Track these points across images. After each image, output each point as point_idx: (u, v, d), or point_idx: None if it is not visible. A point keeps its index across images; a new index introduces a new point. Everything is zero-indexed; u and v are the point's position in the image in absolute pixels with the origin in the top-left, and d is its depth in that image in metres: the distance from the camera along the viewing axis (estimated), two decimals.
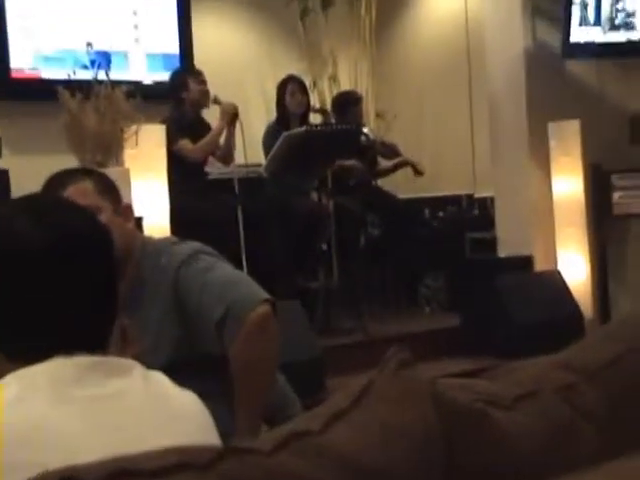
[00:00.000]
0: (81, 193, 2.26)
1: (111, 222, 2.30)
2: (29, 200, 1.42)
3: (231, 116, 5.52)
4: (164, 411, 1.28)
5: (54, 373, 1.22)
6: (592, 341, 1.43)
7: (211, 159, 5.91)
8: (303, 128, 5.37)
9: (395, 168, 6.70)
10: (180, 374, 1.39)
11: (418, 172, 6.50)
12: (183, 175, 5.44)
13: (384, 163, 6.80)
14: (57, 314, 1.28)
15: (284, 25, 7.55)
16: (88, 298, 1.32)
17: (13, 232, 1.29)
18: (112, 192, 2.40)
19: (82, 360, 1.25)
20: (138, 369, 1.31)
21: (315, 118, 6.25)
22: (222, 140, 5.69)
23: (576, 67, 6.37)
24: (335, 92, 7.44)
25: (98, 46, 6.06)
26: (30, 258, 1.28)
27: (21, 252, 1.28)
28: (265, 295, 2.26)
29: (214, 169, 6.05)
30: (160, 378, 1.34)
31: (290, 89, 6.02)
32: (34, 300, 1.27)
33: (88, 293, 1.32)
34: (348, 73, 7.70)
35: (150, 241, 2.49)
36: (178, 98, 5.74)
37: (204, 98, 5.72)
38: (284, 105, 6.00)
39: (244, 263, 5.15)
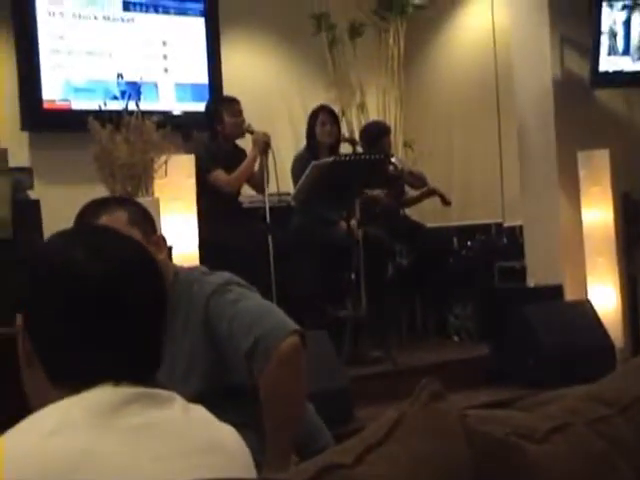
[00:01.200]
0: (112, 223, 2.27)
1: None
2: (81, 232, 1.43)
3: (264, 145, 5.54)
4: (203, 443, 1.28)
5: (92, 403, 1.23)
6: (624, 373, 1.42)
7: (245, 187, 5.93)
8: (331, 158, 5.38)
9: (422, 197, 6.70)
10: (210, 404, 1.40)
11: (446, 202, 6.50)
12: (217, 205, 5.45)
13: (411, 192, 6.79)
14: (109, 342, 1.30)
15: (312, 55, 7.59)
16: (139, 328, 1.33)
17: (72, 261, 1.31)
18: (146, 222, 2.41)
19: (125, 391, 1.26)
20: (179, 401, 1.32)
21: (344, 147, 6.26)
22: (255, 168, 5.71)
23: (605, 96, 6.36)
24: (363, 121, 7.47)
25: (128, 77, 6.12)
26: (88, 285, 1.30)
27: (80, 279, 1.30)
28: (294, 326, 2.26)
29: (245, 198, 6.08)
30: (200, 410, 1.35)
31: (321, 119, 6.03)
32: (87, 327, 1.29)
33: (140, 323, 1.33)
34: (376, 103, 7.72)
35: (182, 271, 2.50)
36: (213, 129, 5.76)
37: (238, 131, 5.74)
38: (314, 135, 6.02)
39: (274, 292, 5.15)
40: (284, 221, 5.85)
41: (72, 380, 1.26)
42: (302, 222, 5.91)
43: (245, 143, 5.80)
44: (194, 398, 1.37)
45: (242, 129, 5.71)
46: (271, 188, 5.58)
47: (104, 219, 2.28)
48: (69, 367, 1.29)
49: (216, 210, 5.43)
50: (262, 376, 2.21)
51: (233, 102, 5.81)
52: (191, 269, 2.54)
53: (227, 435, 1.35)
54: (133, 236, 2.31)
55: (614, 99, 6.40)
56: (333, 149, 6.01)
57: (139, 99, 4.88)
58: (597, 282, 6.04)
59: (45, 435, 1.17)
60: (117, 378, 1.27)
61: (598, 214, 6.06)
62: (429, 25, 7.98)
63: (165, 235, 2.55)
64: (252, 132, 5.64)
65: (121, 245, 1.39)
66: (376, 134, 6.49)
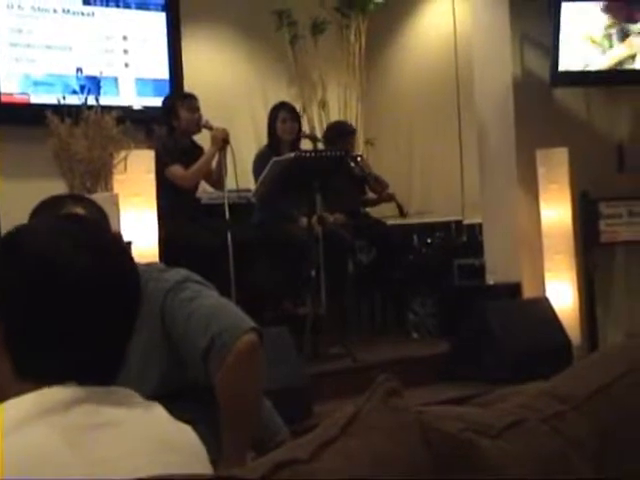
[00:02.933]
0: None
1: None
2: (62, 224, 1.39)
3: (222, 141, 5.53)
4: (158, 442, 1.27)
5: (45, 401, 1.21)
6: (579, 369, 1.43)
7: (203, 184, 5.91)
8: (292, 154, 5.38)
9: (381, 201, 6.72)
10: (166, 401, 1.39)
11: (402, 213, 6.49)
12: (174, 200, 5.44)
13: (370, 194, 6.81)
14: (80, 342, 1.27)
15: (274, 51, 7.57)
16: (112, 329, 1.31)
17: (57, 254, 1.27)
18: (102, 219, 2.40)
19: (79, 390, 1.24)
20: (136, 399, 1.31)
21: (305, 144, 6.26)
22: (213, 165, 5.69)
23: (564, 95, 6.41)
24: (324, 118, 7.48)
25: (88, 71, 6.08)
26: (71, 280, 1.26)
27: (64, 273, 1.27)
28: (251, 324, 2.26)
29: (205, 194, 6.05)
30: (156, 408, 1.34)
31: (281, 116, 6.03)
32: (62, 324, 1.26)
33: (114, 324, 1.31)
34: (338, 100, 7.72)
35: (138, 268, 2.47)
36: (169, 125, 5.74)
37: (194, 126, 5.72)
38: (275, 131, 6.02)
39: (232, 289, 5.14)
40: (244, 218, 5.84)
41: (36, 376, 1.24)
42: (263, 218, 5.91)
43: (204, 140, 5.77)
44: (150, 396, 1.36)
45: (198, 125, 5.70)
46: (230, 185, 5.57)
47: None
48: (36, 363, 1.27)
49: (175, 206, 5.42)
50: (218, 375, 2.21)
51: (190, 98, 5.80)
52: (148, 266, 2.52)
53: (183, 433, 1.34)
54: None
55: (573, 98, 6.45)
56: (294, 146, 6.02)
57: (99, 94, 4.86)
58: (555, 280, 6.08)
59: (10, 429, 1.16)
60: (82, 378, 1.26)
61: (556, 212, 6.10)
62: (390, 23, 8.00)
63: (124, 231, 2.53)
64: (210, 128, 5.63)
65: (106, 240, 1.36)
66: (340, 133, 6.50)
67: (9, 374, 1.27)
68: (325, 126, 7.15)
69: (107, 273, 1.30)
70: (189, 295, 2.32)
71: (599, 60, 6.19)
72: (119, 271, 1.33)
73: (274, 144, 5.98)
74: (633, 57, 6.24)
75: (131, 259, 1.38)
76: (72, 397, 1.23)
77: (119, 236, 2.42)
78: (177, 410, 1.37)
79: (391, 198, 6.57)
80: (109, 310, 1.29)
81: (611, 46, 6.19)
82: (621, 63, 6.23)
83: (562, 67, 6.12)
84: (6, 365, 1.27)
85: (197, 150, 5.77)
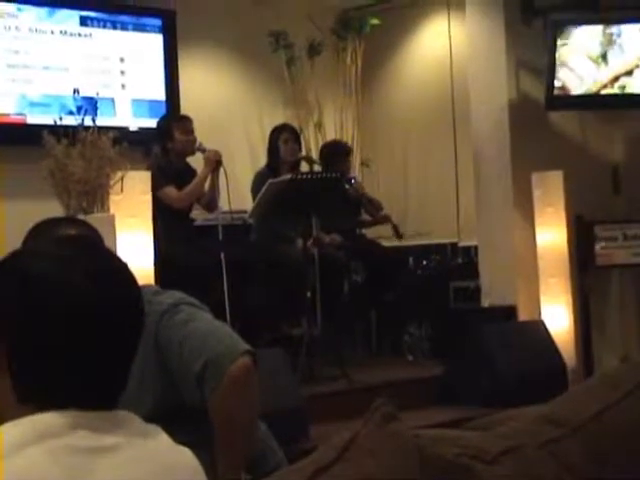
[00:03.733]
0: None
1: None
2: (78, 251, 1.37)
3: (215, 163, 5.54)
4: (159, 466, 1.27)
5: (42, 426, 1.21)
6: (576, 394, 1.43)
7: (197, 206, 5.91)
8: (288, 176, 5.39)
9: (376, 222, 6.71)
10: (162, 424, 1.38)
11: (398, 235, 6.46)
12: (168, 221, 5.43)
13: (365, 216, 6.81)
14: (84, 368, 1.26)
15: (270, 73, 7.59)
16: (116, 355, 1.30)
17: (70, 282, 1.27)
18: (99, 240, 2.39)
19: (77, 414, 1.24)
20: (136, 422, 1.30)
21: (301, 166, 6.26)
22: (206, 187, 5.70)
23: (559, 118, 6.43)
24: (321, 140, 7.48)
25: (85, 92, 6.08)
26: (82, 309, 1.26)
27: (76, 302, 1.26)
28: (245, 347, 2.25)
29: (200, 216, 6.05)
30: (155, 431, 1.33)
31: (283, 137, 6.04)
32: (69, 351, 1.25)
33: (118, 350, 1.31)
34: (334, 121, 7.74)
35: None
36: (164, 146, 5.76)
37: (188, 148, 5.74)
38: (277, 152, 6.02)
39: (227, 310, 5.13)
40: (238, 239, 5.84)
41: (37, 400, 1.24)
42: (258, 239, 5.91)
43: (197, 163, 5.78)
44: (146, 419, 1.36)
45: (192, 147, 5.70)
46: (224, 206, 5.57)
47: None
48: (37, 387, 1.26)
49: (169, 227, 5.41)
50: (213, 399, 2.20)
51: (185, 120, 5.81)
52: (143, 288, 2.51)
53: (183, 456, 1.34)
54: None
55: (568, 121, 6.47)
56: (294, 167, 6.03)
57: (95, 114, 4.84)
58: (550, 302, 6.08)
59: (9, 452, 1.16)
60: (83, 403, 1.25)
61: (552, 235, 6.11)
62: (386, 45, 8.03)
63: (120, 252, 2.53)
64: (203, 150, 5.63)
65: (107, 261, 1.36)
66: (336, 153, 6.50)
67: (10, 397, 1.27)
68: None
69: (109, 296, 1.29)
70: (183, 318, 2.31)
71: (594, 82, 6.21)
72: (121, 291, 1.32)
73: (274, 165, 5.99)
74: (630, 73, 6.23)
75: (132, 277, 1.37)
76: (69, 422, 1.22)
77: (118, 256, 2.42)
78: (172, 433, 1.37)
79: (386, 219, 6.55)
80: (112, 331, 1.29)
81: (607, 64, 6.21)
82: (617, 79, 6.22)
83: (557, 91, 6.14)
84: (7, 388, 1.27)
85: (190, 172, 5.78)
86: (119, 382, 1.32)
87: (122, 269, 1.35)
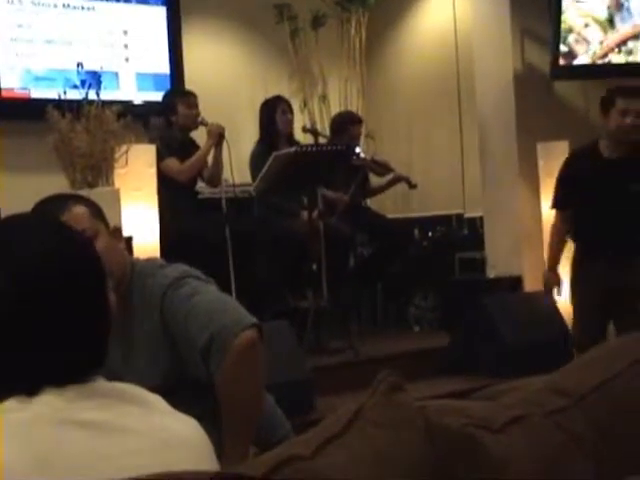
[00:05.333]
0: (79, 218, 2.26)
1: (110, 245, 2.32)
2: (39, 229, 1.36)
3: (217, 136, 5.54)
4: (163, 438, 1.27)
5: (41, 408, 1.20)
6: (581, 364, 1.43)
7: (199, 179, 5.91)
8: (293, 148, 5.37)
9: (389, 185, 6.69)
10: (170, 397, 1.39)
11: (412, 185, 6.45)
12: (173, 194, 5.43)
13: (376, 181, 6.79)
14: (52, 343, 1.26)
15: (275, 45, 7.56)
16: (82, 327, 1.30)
17: (28, 260, 1.26)
18: (103, 215, 2.40)
19: (76, 389, 1.24)
20: (138, 393, 1.30)
21: (306, 139, 6.24)
22: (209, 161, 5.70)
23: (564, 88, 6.40)
24: (325, 112, 7.47)
25: (88, 66, 6.06)
26: (41, 285, 1.25)
27: (33, 279, 1.26)
28: (251, 320, 2.25)
29: (205, 189, 6.05)
30: (160, 403, 1.33)
31: (281, 108, 6.04)
32: (30, 328, 1.24)
33: (83, 322, 1.30)
34: (338, 93, 7.71)
35: (138, 263, 2.47)
36: (167, 120, 5.75)
37: (191, 122, 5.73)
38: (274, 124, 6.01)
39: (233, 283, 5.14)
40: (243, 212, 5.84)
41: (12, 383, 1.23)
42: (263, 213, 5.91)
43: (202, 139, 5.76)
44: (154, 391, 1.36)
45: (195, 121, 5.70)
46: (227, 180, 5.57)
47: (67, 215, 2.25)
48: (8, 370, 1.25)
49: (173, 200, 5.41)
50: (218, 373, 2.20)
51: (189, 95, 5.82)
52: (147, 261, 2.51)
53: (188, 427, 1.34)
54: (99, 230, 2.31)
55: (573, 91, 6.44)
56: (291, 140, 6.03)
57: (99, 88, 4.84)
58: None
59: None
60: (59, 381, 1.24)
61: None
62: (391, 16, 7.99)
63: (125, 226, 2.53)
64: (205, 124, 5.63)
65: (76, 245, 1.35)
66: (346, 122, 6.47)
67: None
68: (327, 119, 7.14)
69: (72, 281, 1.28)
70: (188, 291, 2.31)
71: (601, 47, 6.16)
72: (70, 265, 1.30)
73: (271, 138, 5.98)
74: (638, 37, 6.18)
75: (82, 251, 1.35)
76: (68, 398, 1.22)
77: (114, 232, 2.42)
78: (181, 406, 1.37)
79: (398, 179, 6.52)
80: (60, 306, 1.27)
81: (613, 27, 6.16)
82: (625, 43, 6.17)
83: (563, 58, 6.11)
84: None
85: (194, 146, 5.78)
86: (88, 354, 1.31)
87: (72, 244, 1.34)
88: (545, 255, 5.35)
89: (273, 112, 6.03)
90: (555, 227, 5.07)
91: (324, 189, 5.91)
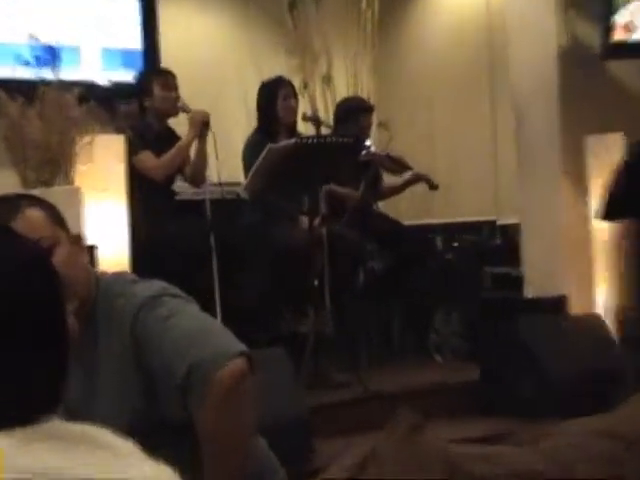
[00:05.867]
0: (34, 224, 2.25)
1: (71, 257, 2.31)
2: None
3: (201, 125, 5.54)
4: None
5: None
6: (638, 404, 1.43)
7: (179, 177, 5.92)
8: (292, 140, 5.38)
9: (405, 186, 6.69)
10: (143, 439, 1.39)
11: (433, 186, 6.47)
12: (147, 195, 5.44)
13: (390, 180, 6.80)
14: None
15: (269, 16, 7.58)
16: (35, 359, 1.30)
17: None
18: (63, 221, 2.39)
19: (25, 432, 1.24)
20: (101, 435, 1.30)
21: (306, 129, 6.25)
22: (192, 155, 5.70)
23: (620, 69, 6.40)
24: (329, 96, 7.48)
25: (44, 39, 6.07)
26: None
27: None
28: (239, 347, 2.24)
29: (184, 189, 6.06)
30: (128, 448, 1.33)
31: (283, 93, 6.04)
32: None
33: (36, 353, 1.30)
34: (346, 74, 7.72)
35: (104, 279, 2.47)
36: (141, 105, 5.76)
37: (170, 107, 5.73)
38: (273, 112, 6.01)
39: (217, 303, 5.14)
40: (231, 217, 5.84)
41: None
42: (255, 217, 5.91)
43: (182, 127, 5.76)
44: (122, 433, 1.36)
45: (174, 106, 5.70)
46: (213, 178, 5.57)
47: (20, 221, 2.24)
48: None
49: (147, 203, 5.42)
50: (199, 412, 2.20)
51: (166, 74, 5.83)
52: (116, 277, 2.51)
53: (164, 477, 1.34)
54: (59, 239, 2.30)
55: (630, 73, 6.44)
56: (293, 130, 6.03)
57: (57, 66, 4.85)
58: (608, 292, 6.07)
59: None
60: (5, 423, 1.24)
61: None
62: None
63: (89, 233, 2.53)
64: (187, 111, 5.63)
65: (29, 258, 1.35)
66: (355, 109, 6.49)
67: None
68: (331, 105, 7.15)
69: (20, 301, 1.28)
70: (164, 313, 2.31)
71: None
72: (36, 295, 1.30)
73: (270, 127, 5.98)
74: None
75: (47, 274, 1.35)
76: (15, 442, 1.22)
77: (76, 240, 2.41)
78: (153, 450, 1.37)
79: (417, 178, 6.53)
80: (27, 343, 1.27)
81: None
82: None
83: (618, 34, 6.11)
84: None
85: (173, 137, 5.79)
86: (41, 392, 1.30)
87: (23, 256, 1.34)
88: (595, 270, 5.34)
89: (273, 97, 6.04)
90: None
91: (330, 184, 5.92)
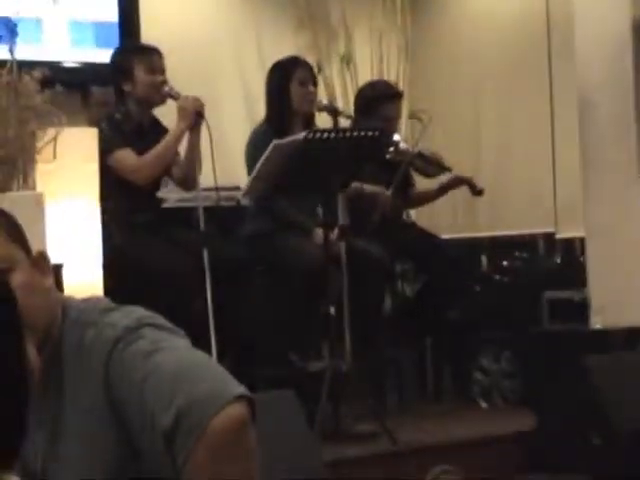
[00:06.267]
0: None
1: (32, 281, 2.30)
2: None
3: (193, 116, 5.53)
4: None
5: None
6: None
7: (166, 180, 5.92)
8: (301, 134, 5.37)
9: (443, 191, 6.69)
10: None
11: (476, 191, 6.48)
12: (125, 203, 5.45)
13: (424, 184, 6.81)
14: None
15: None
16: None
17: None
18: (23, 237, 2.38)
19: None
20: None
21: (321, 120, 6.24)
22: (181, 152, 5.70)
23: None
24: (350, 80, 7.48)
25: None
26: None
27: None
28: (237, 390, 2.21)
29: (171, 195, 6.06)
30: None
31: (299, 76, 6.02)
32: None
33: None
34: (370, 54, 7.73)
35: (72, 306, 2.45)
36: (118, 91, 5.75)
37: (154, 93, 5.72)
38: (285, 99, 6.00)
39: (212, 334, 5.13)
40: (229, 229, 5.85)
41: None
42: (258, 230, 5.91)
43: (170, 119, 5.76)
44: None
45: (160, 91, 5.69)
46: (207, 180, 5.56)
47: None
48: None
49: (126, 211, 5.43)
50: (189, 468, 2.18)
51: (151, 52, 5.81)
52: (87, 303, 2.49)
53: None
54: (16, 259, 2.30)
55: None
56: (309, 122, 6.03)
57: (14, 43, 4.85)
58: None
59: None
60: None
61: None
62: None
63: (53, 249, 2.52)
64: (176, 98, 5.61)
65: None
66: (380, 96, 6.50)
67: None
68: (352, 92, 7.16)
69: None
70: (146, 347, 2.28)
71: None
72: None
73: (281, 119, 5.98)
74: None
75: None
76: None
77: (37, 261, 2.40)
78: None
79: (457, 181, 6.54)
80: None
81: None
82: None
83: None
84: None
85: (158, 130, 5.80)
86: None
87: None
88: None
89: (287, 81, 6.04)
90: None
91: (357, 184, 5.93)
